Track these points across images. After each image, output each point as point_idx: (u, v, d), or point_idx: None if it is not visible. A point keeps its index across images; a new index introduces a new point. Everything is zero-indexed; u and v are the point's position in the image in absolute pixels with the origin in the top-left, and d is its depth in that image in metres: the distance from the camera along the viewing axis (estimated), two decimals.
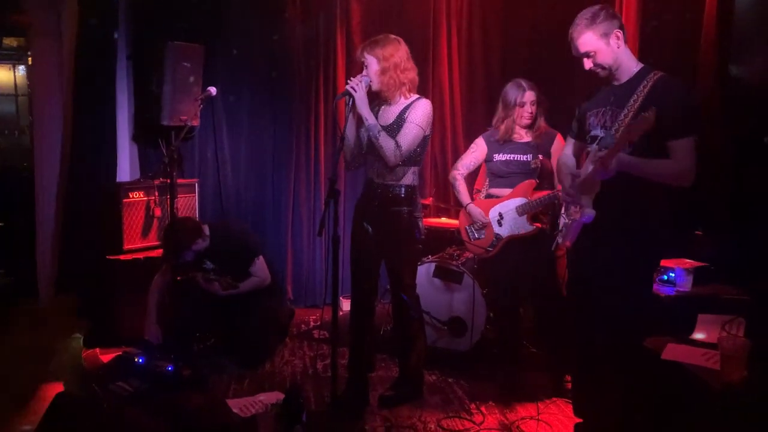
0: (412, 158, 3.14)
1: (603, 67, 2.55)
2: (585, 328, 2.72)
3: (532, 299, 3.77)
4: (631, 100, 2.50)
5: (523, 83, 3.56)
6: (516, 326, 3.71)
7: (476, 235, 3.66)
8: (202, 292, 3.85)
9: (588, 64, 2.55)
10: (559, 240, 2.86)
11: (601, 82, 2.67)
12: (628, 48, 2.59)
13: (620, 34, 2.51)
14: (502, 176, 3.62)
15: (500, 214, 3.58)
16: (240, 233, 3.99)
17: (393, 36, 3.15)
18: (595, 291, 2.63)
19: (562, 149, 2.95)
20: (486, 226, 3.62)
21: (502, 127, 3.57)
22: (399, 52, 3.09)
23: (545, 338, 3.75)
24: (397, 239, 3.18)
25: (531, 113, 3.54)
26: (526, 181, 3.58)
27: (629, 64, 2.56)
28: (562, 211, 2.87)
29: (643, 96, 2.47)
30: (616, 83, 2.60)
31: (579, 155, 2.86)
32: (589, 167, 2.56)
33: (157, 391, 3.31)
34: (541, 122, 3.60)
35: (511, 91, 3.55)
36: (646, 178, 2.43)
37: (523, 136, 3.60)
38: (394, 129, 3.10)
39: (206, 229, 3.90)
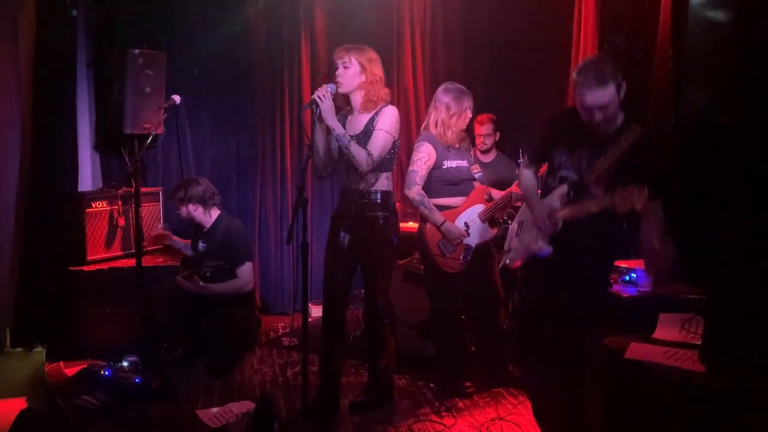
0: (383, 164, 3.17)
1: (609, 121, 2.50)
2: (541, 328, 2.77)
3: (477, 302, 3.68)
4: (613, 148, 2.49)
5: (463, 87, 3.48)
6: (461, 332, 3.66)
7: (450, 250, 3.46)
8: (174, 302, 3.83)
9: (600, 116, 2.46)
10: (507, 261, 2.87)
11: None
12: None
13: (625, 86, 2.48)
14: (455, 184, 3.48)
15: (466, 224, 3.48)
16: (241, 234, 4.12)
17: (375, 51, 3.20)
18: (552, 292, 2.68)
19: (522, 175, 2.89)
20: (462, 241, 3.47)
21: (454, 130, 3.42)
22: (380, 68, 3.17)
23: (485, 338, 3.73)
24: (373, 244, 3.20)
25: (469, 117, 3.49)
26: (480, 187, 3.58)
27: (619, 116, 2.55)
28: (514, 233, 2.88)
29: (623, 149, 2.48)
30: (598, 131, 2.54)
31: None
32: (555, 203, 2.60)
33: (125, 404, 3.27)
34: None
35: (460, 95, 3.42)
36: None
37: (456, 142, 3.51)
38: (362, 138, 3.12)
39: (214, 210, 4.08)
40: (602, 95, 2.43)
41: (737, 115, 2.85)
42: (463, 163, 3.52)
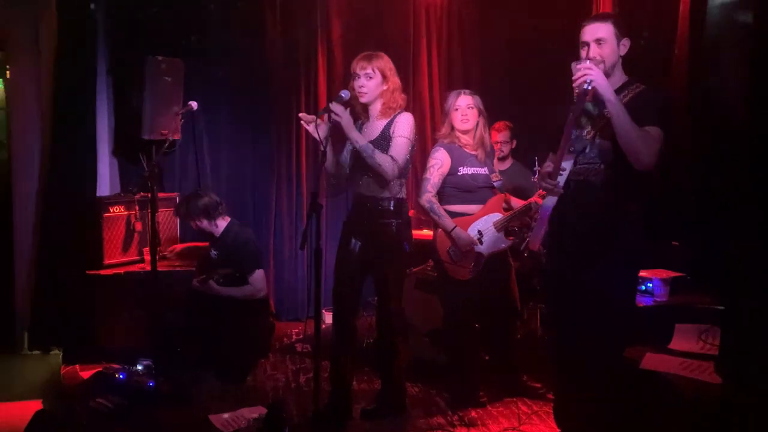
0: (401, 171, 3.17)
1: (602, 62, 2.52)
2: (565, 338, 2.75)
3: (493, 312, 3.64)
4: None
5: (462, 90, 3.55)
6: (475, 340, 3.62)
7: (460, 257, 3.43)
8: (189, 307, 3.86)
9: (594, 50, 2.52)
10: (526, 244, 2.88)
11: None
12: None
13: (627, 44, 2.55)
14: (469, 191, 3.47)
15: (480, 232, 3.47)
16: (250, 242, 4.08)
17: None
18: (576, 302, 2.65)
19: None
20: (472, 248, 3.45)
21: (457, 129, 3.48)
22: (397, 75, 3.19)
23: (498, 348, 3.70)
24: (385, 251, 3.19)
25: (465, 116, 3.46)
26: (498, 195, 3.55)
27: (619, 75, 2.59)
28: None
29: (624, 102, 2.48)
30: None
31: None
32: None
33: (138, 408, 3.29)
34: (485, 136, 3.54)
35: (447, 99, 3.55)
36: (617, 125, 2.40)
37: (469, 149, 3.50)
38: (378, 143, 3.13)
39: (221, 220, 4.03)
40: (599, 27, 2.52)
41: (755, 115, 2.80)
42: (482, 171, 3.50)
